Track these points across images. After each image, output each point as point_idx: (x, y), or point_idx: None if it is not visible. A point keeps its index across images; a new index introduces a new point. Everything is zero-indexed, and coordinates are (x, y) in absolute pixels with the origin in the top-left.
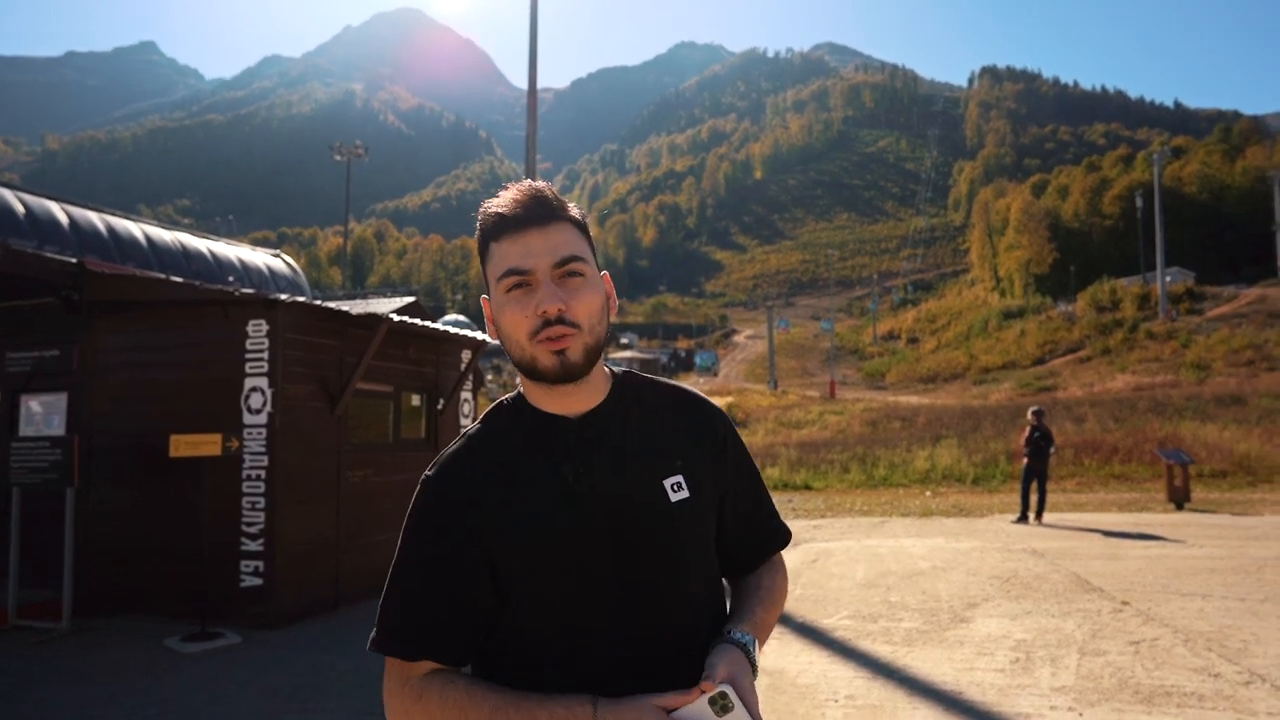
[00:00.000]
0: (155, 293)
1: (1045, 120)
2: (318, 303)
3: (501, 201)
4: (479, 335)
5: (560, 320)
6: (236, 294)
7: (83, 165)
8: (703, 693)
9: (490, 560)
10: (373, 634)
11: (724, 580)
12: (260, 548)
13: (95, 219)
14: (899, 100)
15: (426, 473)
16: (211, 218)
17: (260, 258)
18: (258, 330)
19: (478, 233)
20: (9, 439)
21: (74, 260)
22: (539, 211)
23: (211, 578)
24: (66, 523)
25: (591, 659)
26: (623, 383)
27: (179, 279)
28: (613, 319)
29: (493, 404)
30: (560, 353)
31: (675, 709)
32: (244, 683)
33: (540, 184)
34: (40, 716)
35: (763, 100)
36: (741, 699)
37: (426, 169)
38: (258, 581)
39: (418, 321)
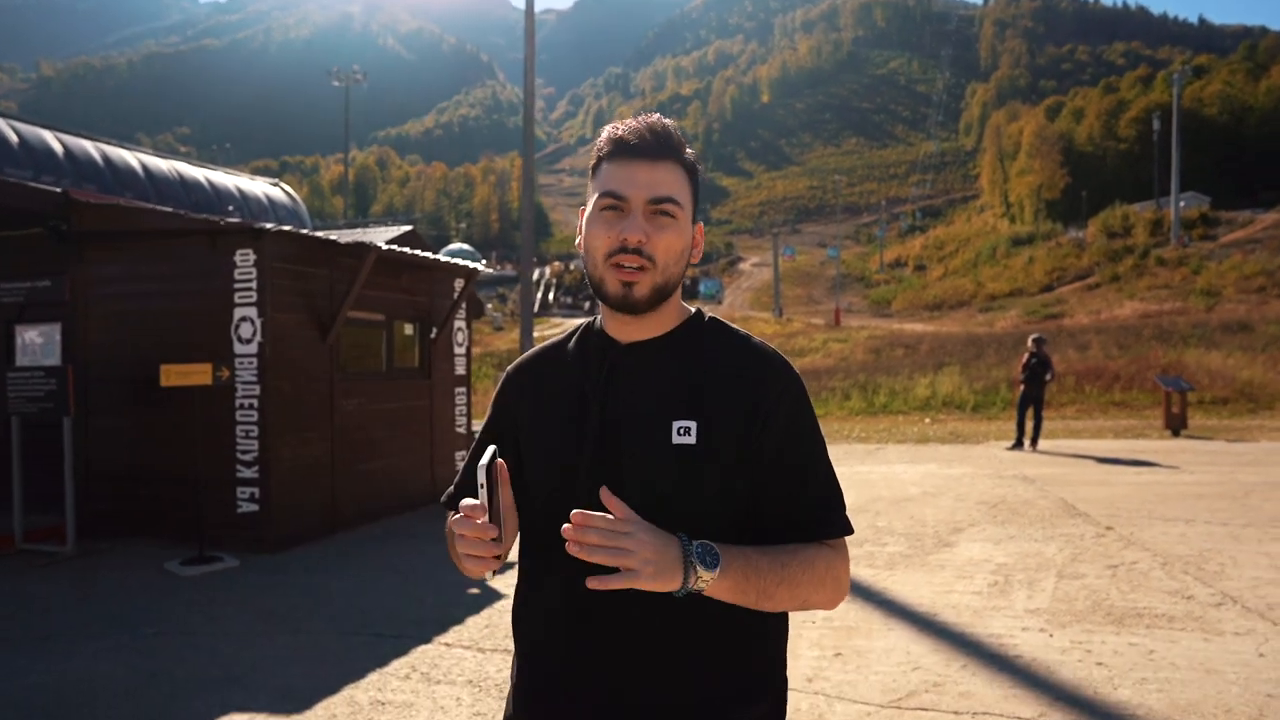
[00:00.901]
0: (142, 222)
1: (1063, 39)
2: (304, 232)
3: (623, 127)
4: (472, 264)
5: (638, 250)
6: (222, 223)
7: (78, 93)
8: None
9: (517, 445)
10: (448, 489)
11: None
12: (255, 474)
13: (90, 148)
14: (911, 18)
15: (507, 369)
16: (210, 146)
17: (259, 187)
18: (245, 260)
19: (593, 150)
20: (5, 369)
21: (59, 190)
22: (653, 146)
23: (209, 504)
24: (65, 451)
25: (559, 558)
26: (694, 326)
27: (170, 209)
28: (694, 262)
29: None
30: (628, 285)
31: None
32: (240, 604)
33: (666, 122)
34: (45, 635)
35: (771, 20)
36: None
37: (427, 94)
38: (254, 507)
39: (408, 250)
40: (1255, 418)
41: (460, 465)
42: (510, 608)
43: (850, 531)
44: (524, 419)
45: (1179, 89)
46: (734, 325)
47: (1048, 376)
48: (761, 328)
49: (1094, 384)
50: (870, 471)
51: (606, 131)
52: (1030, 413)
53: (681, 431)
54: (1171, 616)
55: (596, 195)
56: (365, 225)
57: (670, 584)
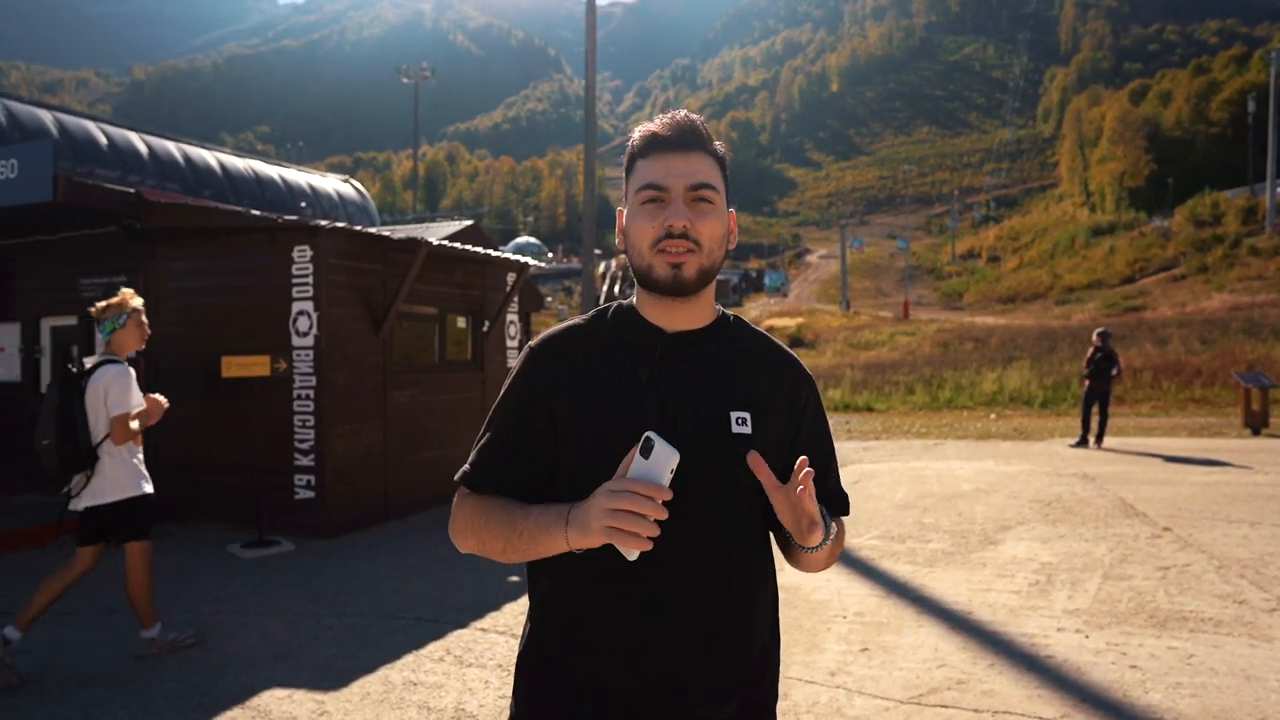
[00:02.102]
0: (207, 220)
1: (1150, 19)
2: (358, 228)
3: (653, 125)
4: (524, 259)
5: (684, 235)
6: (280, 221)
7: (167, 95)
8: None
9: (553, 424)
10: (463, 468)
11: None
12: (311, 463)
13: (173, 148)
14: (988, 2)
15: (530, 343)
16: (286, 144)
17: (330, 183)
18: (302, 256)
19: (627, 150)
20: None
21: (132, 190)
22: (685, 138)
23: (268, 490)
24: None
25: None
26: (726, 321)
27: (236, 207)
28: (731, 249)
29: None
30: (677, 266)
31: (625, 474)
32: (292, 586)
33: (693, 115)
34: (111, 610)
35: (840, 7)
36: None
37: (496, 89)
38: (310, 494)
39: (458, 245)
40: None
41: (483, 443)
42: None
43: (847, 501)
44: (565, 402)
45: (1277, 67)
46: (749, 323)
47: (1114, 372)
48: (828, 321)
49: (1173, 379)
50: (925, 467)
51: (637, 131)
52: (1096, 409)
53: (739, 421)
54: (1219, 621)
55: (637, 190)
56: (432, 220)
57: (819, 537)
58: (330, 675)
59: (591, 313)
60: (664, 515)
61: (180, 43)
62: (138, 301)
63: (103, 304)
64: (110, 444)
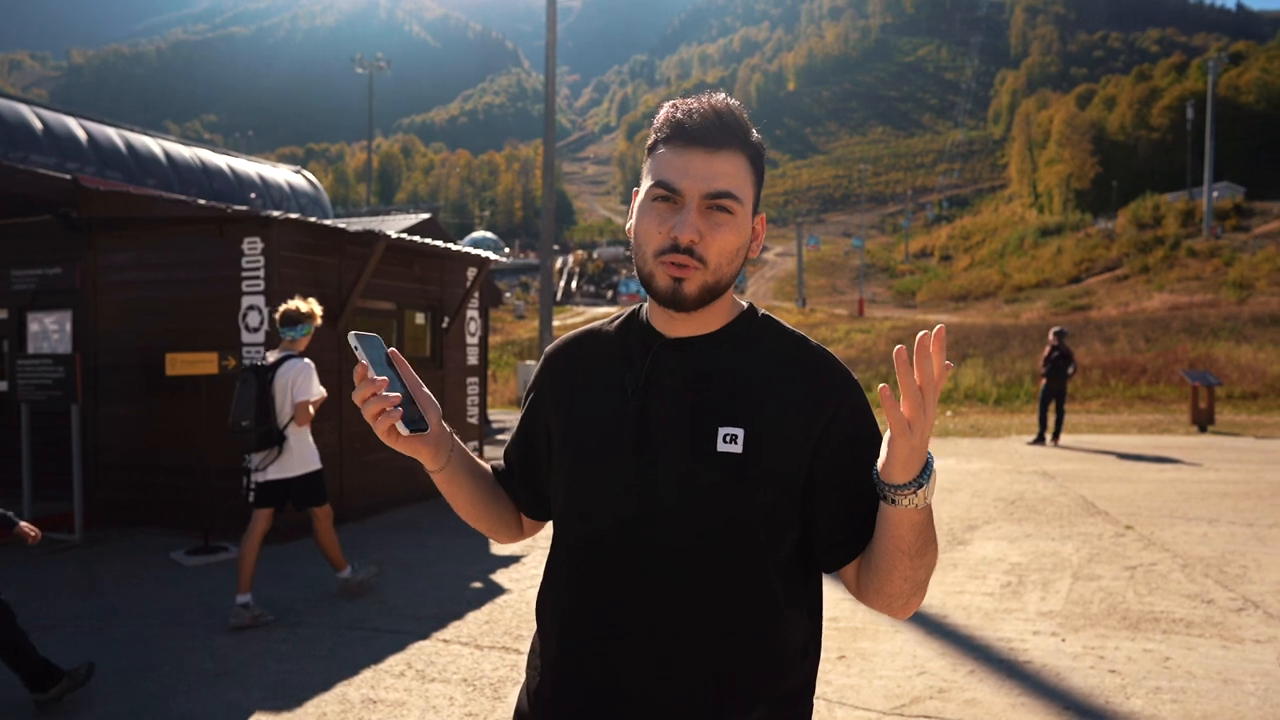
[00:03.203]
0: (151, 209)
1: (1095, 26)
2: (313, 220)
3: (684, 107)
4: (485, 253)
5: (689, 251)
6: (230, 211)
7: (108, 80)
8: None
9: (548, 431)
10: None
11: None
12: None
13: (114, 135)
14: (941, 5)
15: (547, 348)
16: (235, 133)
17: (282, 174)
18: (253, 248)
19: (653, 126)
20: (16, 356)
21: (68, 176)
22: (714, 134)
23: (215, 493)
24: (73, 439)
25: (583, 556)
26: (747, 323)
27: (181, 196)
28: (753, 258)
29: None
30: (678, 281)
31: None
32: None
33: (730, 103)
34: (50, 625)
35: (797, 7)
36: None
37: (453, 82)
38: None
39: (417, 239)
40: None
41: (487, 445)
42: (533, 599)
43: None
44: (558, 406)
45: (1214, 76)
46: (788, 325)
47: (1070, 370)
48: (784, 318)
49: (1120, 377)
50: None
51: (665, 110)
52: (1052, 407)
53: (728, 439)
54: (1190, 622)
55: (650, 183)
56: (387, 213)
57: (916, 468)
58: (283, 694)
59: (622, 313)
60: (383, 387)
61: (122, 26)
62: (318, 310)
63: (291, 306)
64: (294, 426)
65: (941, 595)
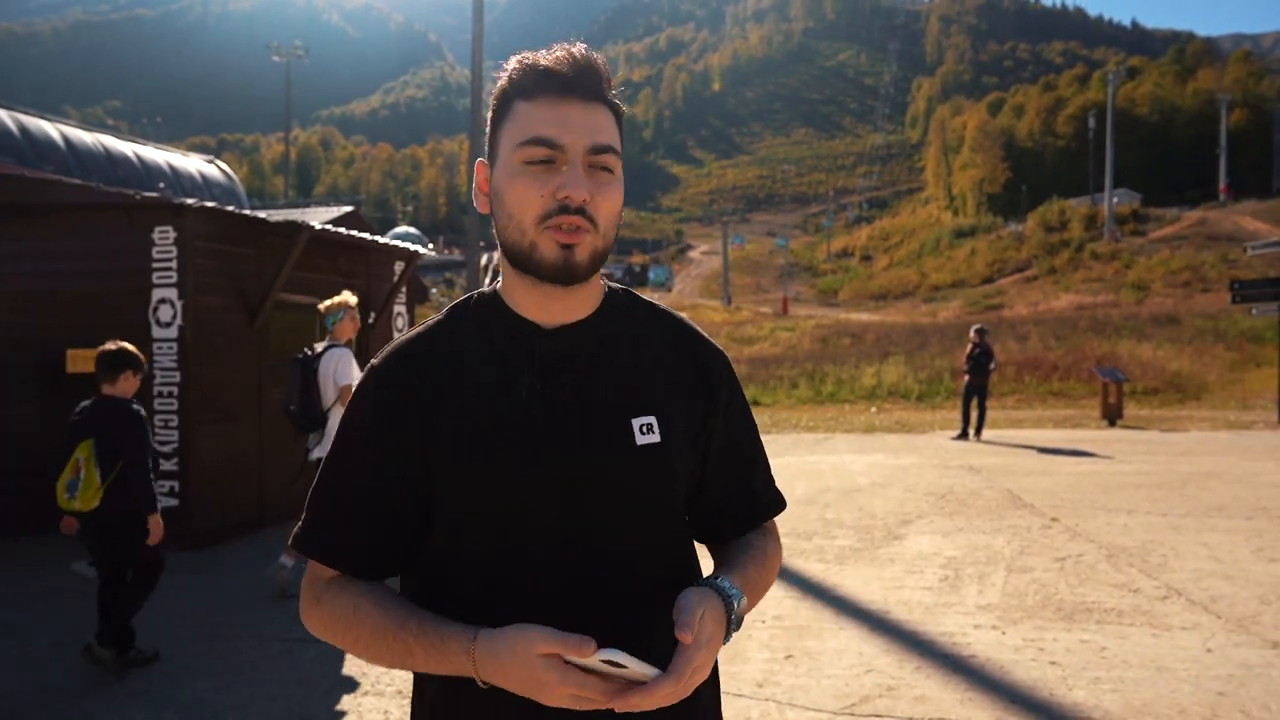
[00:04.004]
0: (49, 195)
1: (1005, 37)
2: (230, 209)
3: (545, 57)
4: (414, 247)
5: (580, 211)
6: (139, 198)
7: None
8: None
9: (425, 470)
10: (296, 528)
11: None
12: (174, 467)
13: (6, 117)
14: (861, 12)
15: (373, 362)
16: (142, 120)
17: (193, 164)
18: (164, 238)
19: (501, 85)
20: None
21: None
22: (588, 83)
23: None
24: None
25: (523, 594)
26: (615, 300)
27: (86, 183)
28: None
29: (461, 297)
30: (569, 247)
31: (567, 659)
32: (150, 607)
33: (593, 52)
34: None
35: (722, 8)
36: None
37: (373, 73)
38: (173, 502)
39: (342, 230)
40: (1184, 408)
41: (329, 498)
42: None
43: (784, 501)
44: (433, 438)
45: (1113, 89)
46: (643, 296)
47: (991, 366)
48: (710, 315)
49: (1033, 374)
50: (819, 461)
51: (516, 62)
52: (975, 403)
53: (644, 430)
54: (1120, 611)
55: (519, 144)
56: (306, 206)
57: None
58: (201, 713)
59: (444, 311)
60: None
61: (14, 4)
62: (353, 300)
63: (328, 302)
64: (337, 408)
65: (882, 591)
